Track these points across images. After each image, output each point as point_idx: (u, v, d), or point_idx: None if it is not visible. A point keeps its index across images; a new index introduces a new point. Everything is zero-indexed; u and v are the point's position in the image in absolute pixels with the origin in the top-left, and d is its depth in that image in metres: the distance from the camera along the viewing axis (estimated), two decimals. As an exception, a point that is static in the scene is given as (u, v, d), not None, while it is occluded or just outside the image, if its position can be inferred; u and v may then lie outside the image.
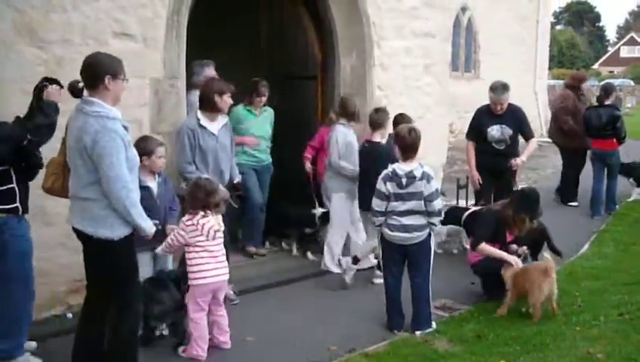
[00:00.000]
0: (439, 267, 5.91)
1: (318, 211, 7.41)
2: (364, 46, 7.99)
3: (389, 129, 7.03)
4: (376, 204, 5.57)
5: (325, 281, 6.89)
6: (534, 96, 17.78)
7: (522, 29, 16.96)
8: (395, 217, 5.51)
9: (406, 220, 5.48)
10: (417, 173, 5.42)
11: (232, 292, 6.06)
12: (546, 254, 6.10)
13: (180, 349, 5.09)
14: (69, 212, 4.26)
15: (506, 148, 7.51)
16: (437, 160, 8.77)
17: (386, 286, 5.75)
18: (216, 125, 5.88)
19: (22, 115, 4.54)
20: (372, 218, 5.71)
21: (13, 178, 4.50)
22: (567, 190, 10.41)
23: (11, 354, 4.67)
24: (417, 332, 5.51)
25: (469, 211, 7.01)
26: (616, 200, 9.99)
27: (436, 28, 8.96)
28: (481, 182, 7.61)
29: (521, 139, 7.79)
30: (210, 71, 6.29)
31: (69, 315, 5.58)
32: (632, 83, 43.59)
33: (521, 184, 8.88)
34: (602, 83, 10.73)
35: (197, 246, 4.97)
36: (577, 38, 73.17)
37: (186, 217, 5.01)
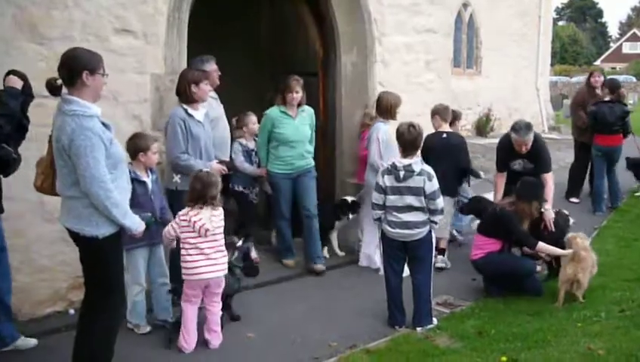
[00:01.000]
0: (433, 265, 5.90)
1: (349, 199, 7.42)
2: (365, 42, 7.99)
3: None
4: (375, 197, 5.62)
5: (326, 277, 6.91)
6: (536, 93, 17.72)
7: (524, 24, 16.90)
8: (394, 213, 5.51)
9: (406, 216, 5.48)
10: (416, 168, 5.44)
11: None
12: (579, 239, 6.05)
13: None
14: (60, 210, 4.23)
15: (527, 172, 7.15)
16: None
17: (387, 283, 5.74)
18: (201, 113, 5.82)
19: None
20: (372, 212, 5.72)
21: None
22: (571, 186, 10.36)
23: None
24: (418, 329, 5.51)
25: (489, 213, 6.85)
26: (619, 196, 9.97)
27: (438, 24, 8.95)
28: None
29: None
30: (210, 66, 6.27)
31: (71, 311, 5.59)
32: (634, 79, 43.47)
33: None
34: (607, 78, 10.64)
35: (187, 242, 4.98)
36: (579, 34, 73.11)
37: (183, 211, 5.01)
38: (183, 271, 5.04)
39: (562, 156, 12.55)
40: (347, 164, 8.14)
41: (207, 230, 4.93)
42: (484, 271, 6.38)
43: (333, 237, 7.61)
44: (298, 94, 6.79)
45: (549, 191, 6.92)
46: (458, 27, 14.60)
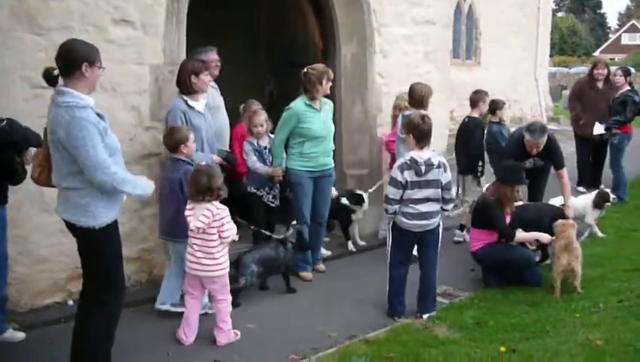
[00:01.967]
0: (439, 254, 5.91)
1: (363, 192, 7.43)
2: (364, 33, 7.96)
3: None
4: (392, 192, 5.51)
5: (327, 267, 6.92)
6: (535, 83, 17.68)
7: (523, 15, 16.84)
8: (411, 205, 5.48)
9: (423, 208, 5.48)
10: (435, 161, 5.47)
11: None
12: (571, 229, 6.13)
13: None
14: (57, 201, 4.22)
15: (536, 168, 7.35)
16: (438, 147, 8.75)
17: (394, 274, 5.73)
18: (201, 104, 5.80)
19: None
20: (386, 206, 5.62)
21: None
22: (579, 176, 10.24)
23: None
24: (425, 316, 5.57)
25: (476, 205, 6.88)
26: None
27: (437, 15, 8.93)
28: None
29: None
30: (211, 56, 6.25)
31: (70, 302, 5.60)
32: (633, 70, 43.48)
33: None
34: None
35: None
36: (578, 25, 72.94)
37: (189, 205, 5.04)
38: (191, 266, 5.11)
39: (562, 147, 12.50)
40: (347, 155, 8.15)
41: (191, 230, 4.95)
42: (483, 261, 6.40)
43: (355, 229, 7.63)
44: (325, 85, 6.42)
45: (567, 185, 7.15)
46: (457, 18, 14.55)
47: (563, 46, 66.25)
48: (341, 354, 4.81)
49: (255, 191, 6.69)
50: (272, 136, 6.77)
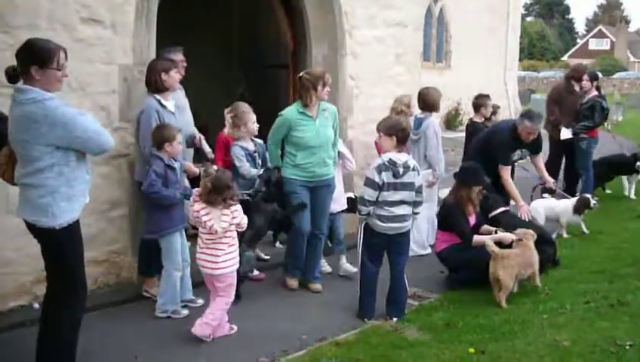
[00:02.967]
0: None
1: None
2: (335, 35, 7.96)
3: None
4: (369, 193, 5.48)
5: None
6: (504, 87, 17.90)
7: (493, 20, 17.05)
8: (386, 208, 5.48)
9: (398, 210, 5.50)
10: (411, 164, 5.52)
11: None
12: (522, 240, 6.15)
13: None
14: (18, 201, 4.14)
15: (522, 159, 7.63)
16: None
17: (365, 276, 5.72)
18: (172, 104, 5.75)
19: None
20: (360, 207, 5.60)
21: None
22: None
23: None
24: (395, 319, 5.57)
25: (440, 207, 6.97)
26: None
27: (408, 18, 8.97)
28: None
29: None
30: (177, 56, 6.19)
31: (36, 305, 5.48)
32: (600, 75, 44.15)
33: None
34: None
35: (200, 236, 5.18)
36: (547, 30, 74.07)
37: (196, 207, 5.07)
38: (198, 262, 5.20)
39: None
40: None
41: (216, 231, 5.00)
42: (446, 261, 6.48)
43: None
44: (321, 91, 6.00)
45: (543, 167, 7.74)
46: (428, 22, 14.68)
47: (532, 50, 67.21)
48: (311, 357, 4.80)
49: (248, 197, 6.12)
50: (256, 140, 6.59)
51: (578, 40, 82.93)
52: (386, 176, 5.45)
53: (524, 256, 5.97)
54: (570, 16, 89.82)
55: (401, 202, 5.49)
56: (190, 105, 6.36)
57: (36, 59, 3.87)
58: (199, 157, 6.37)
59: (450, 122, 15.04)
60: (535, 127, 7.17)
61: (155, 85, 5.65)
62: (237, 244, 5.23)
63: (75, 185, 4.03)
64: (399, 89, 8.64)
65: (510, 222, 6.67)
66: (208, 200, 5.03)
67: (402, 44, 8.88)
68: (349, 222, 7.30)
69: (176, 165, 5.51)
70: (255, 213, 5.97)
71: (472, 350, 4.73)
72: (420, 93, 7.63)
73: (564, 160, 10.06)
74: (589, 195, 7.76)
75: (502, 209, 6.91)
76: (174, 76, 5.70)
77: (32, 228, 4.04)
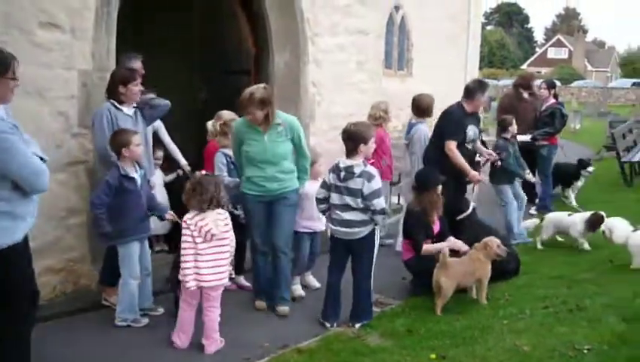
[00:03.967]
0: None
1: None
2: (298, 41, 7.98)
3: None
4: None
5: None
6: (465, 95, 18.09)
7: (454, 28, 17.20)
8: (337, 212, 5.56)
9: (346, 215, 5.51)
10: (357, 170, 5.44)
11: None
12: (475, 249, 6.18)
13: None
14: None
15: (472, 148, 7.53)
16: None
17: (328, 281, 5.76)
18: (130, 110, 5.69)
19: None
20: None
21: None
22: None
23: None
24: (357, 325, 5.57)
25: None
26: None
27: (370, 25, 9.04)
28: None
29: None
30: (135, 64, 6.12)
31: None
32: (558, 83, 45.03)
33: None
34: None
35: (189, 247, 4.94)
36: (507, 39, 75.25)
37: (188, 215, 4.97)
38: (183, 277, 4.96)
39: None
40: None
41: (213, 235, 4.91)
42: (413, 269, 6.49)
43: None
44: (263, 108, 5.55)
45: (481, 145, 7.83)
46: (390, 29, 14.75)
47: (492, 59, 68.22)
48: (273, 364, 4.78)
49: (232, 210, 5.91)
50: None
51: (537, 49, 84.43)
52: (332, 178, 5.55)
53: (467, 266, 6.00)
54: (529, 26, 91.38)
55: (347, 207, 5.49)
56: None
57: None
58: (171, 164, 6.30)
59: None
60: (486, 98, 7.61)
61: (113, 94, 5.62)
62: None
63: (17, 206, 3.74)
64: (361, 96, 8.71)
65: (473, 230, 6.72)
66: (194, 204, 4.93)
67: (364, 52, 8.94)
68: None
69: (136, 174, 5.36)
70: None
71: (433, 356, 4.75)
72: (413, 99, 7.72)
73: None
74: (602, 213, 7.64)
75: (467, 212, 6.98)
76: (132, 89, 5.63)
77: None
